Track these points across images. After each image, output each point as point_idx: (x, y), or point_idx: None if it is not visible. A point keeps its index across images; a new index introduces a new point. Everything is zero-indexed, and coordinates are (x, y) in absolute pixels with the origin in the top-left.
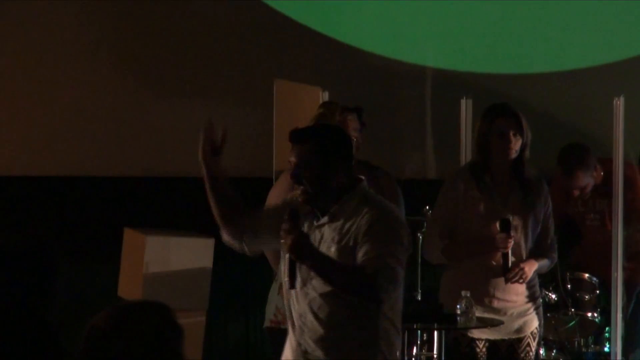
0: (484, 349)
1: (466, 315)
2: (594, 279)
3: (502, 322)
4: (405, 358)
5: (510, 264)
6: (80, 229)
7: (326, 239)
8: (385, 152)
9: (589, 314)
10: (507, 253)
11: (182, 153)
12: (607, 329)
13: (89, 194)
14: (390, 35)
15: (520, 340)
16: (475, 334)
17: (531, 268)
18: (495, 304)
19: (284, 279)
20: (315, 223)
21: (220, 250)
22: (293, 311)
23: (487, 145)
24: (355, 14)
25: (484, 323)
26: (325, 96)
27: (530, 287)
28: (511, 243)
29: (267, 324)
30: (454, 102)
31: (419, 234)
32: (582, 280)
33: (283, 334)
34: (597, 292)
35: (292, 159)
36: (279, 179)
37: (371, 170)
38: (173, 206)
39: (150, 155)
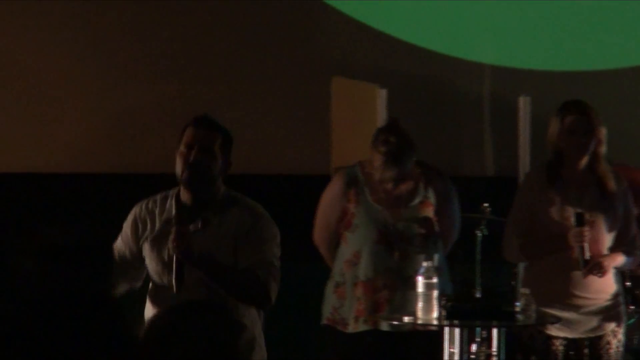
0: (560, 347)
1: (526, 313)
2: None
3: (559, 320)
4: (465, 356)
5: (587, 259)
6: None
7: (201, 243)
8: (443, 150)
9: None
10: (583, 247)
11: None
12: None
13: (142, 191)
14: (448, 33)
15: (599, 338)
16: (552, 331)
17: (610, 263)
18: (575, 301)
19: (172, 282)
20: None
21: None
22: None
23: (560, 143)
24: (413, 11)
25: (550, 320)
26: (382, 94)
27: (610, 284)
28: (586, 237)
29: (324, 321)
30: (512, 100)
31: (477, 232)
32: None
33: (340, 333)
34: None
35: (195, 143)
36: (333, 178)
37: (426, 170)
38: None
39: None
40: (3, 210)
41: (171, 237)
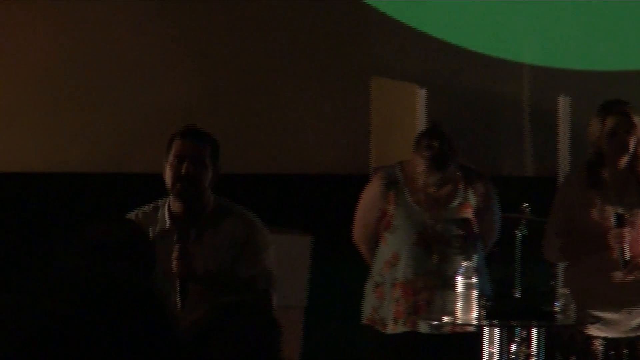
0: (599, 347)
1: (565, 313)
2: None
3: (599, 320)
4: (504, 356)
5: (627, 259)
6: None
7: (197, 254)
8: (483, 150)
9: None
10: (623, 248)
11: (280, 150)
12: None
13: None
14: (488, 33)
15: (639, 338)
16: (592, 331)
17: None
18: (614, 301)
19: (176, 299)
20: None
21: (317, 248)
22: None
23: (600, 144)
24: (453, 11)
25: (590, 320)
26: (422, 94)
27: None
28: (626, 238)
29: (364, 321)
30: (552, 100)
31: (516, 232)
32: None
33: (379, 333)
34: None
35: (187, 153)
36: (372, 178)
37: (465, 171)
38: (270, 203)
39: (248, 151)
40: (51, 210)
41: (173, 255)
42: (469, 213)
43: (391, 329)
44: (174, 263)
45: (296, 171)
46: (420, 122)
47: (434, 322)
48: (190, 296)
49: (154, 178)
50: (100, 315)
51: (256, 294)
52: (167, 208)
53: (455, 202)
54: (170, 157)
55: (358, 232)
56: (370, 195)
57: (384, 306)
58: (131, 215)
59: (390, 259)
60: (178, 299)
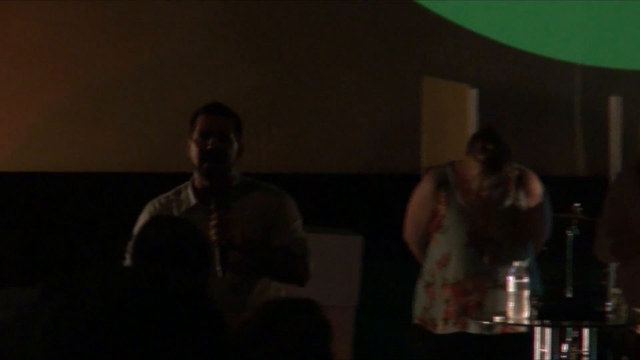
0: None
1: (617, 313)
2: None
3: None
4: (555, 356)
5: None
6: None
7: (232, 224)
8: (534, 150)
9: None
10: None
11: (332, 150)
12: None
13: None
14: (538, 32)
15: None
16: None
17: None
18: None
19: (216, 268)
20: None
21: (369, 248)
22: None
23: None
24: (504, 11)
25: None
26: (473, 94)
27: None
28: None
29: (415, 320)
30: (603, 100)
31: (568, 232)
32: None
33: (429, 333)
34: None
35: (212, 129)
36: (423, 178)
37: (517, 172)
38: (322, 203)
39: (301, 151)
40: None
41: (211, 223)
42: (520, 214)
43: (441, 329)
44: (212, 232)
45: (348, 171)
46: (472, 123)
47: (485, 322)
48: (230, 265)
49: None
50: (152, 317)
51: (294, 260)
52: (191, 187)
53: (507, 203)
54: (195, 134)
55: (409, 232)
56: (421, 195)
57: (434, 306)
58: (152, 202)
59: (441, 259)
60: (219, 268)
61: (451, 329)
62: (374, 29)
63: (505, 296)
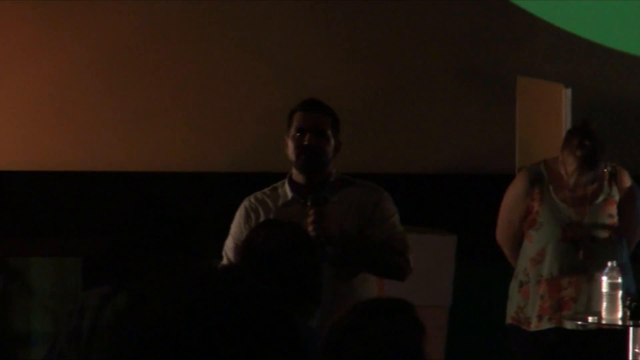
0: None
1: None
2: None
3: None
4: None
5: None
6: None
7: (330, 218)
8: (627, 147)
9: None
10: None
11: (425, 150)
12: None
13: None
14: (633, 32)
15: None
16: None
17: None
18: None
19: None
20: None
21: (462, 247)
22: None
23: None
24: (596, 9)
25: None
26: (567, 93)
27: None
28: None
29: (508, 320)
30: None
31: None
32: None
33: (523, 332)
34: None
35: (309, 125)
36: (517, 176)
37: (610, 168)
38: (415, 203)
39: (394, 151)
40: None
41: (309, 219)
42: (614, 209)
43: (535, 326)
44: (311, 227)
45: (442, 171)
46: (566, 122)
47: (579, 322)
48: (328, 259)
49: None
50: (217, 321)
51: (395, 254)
52: (288, 183)
53: (600, 199)
54: (292, 131)
55: (501, 231)
56: (514, 193)
57: (528, 304)
58: (249, 198)
59: (536, 256)
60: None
61: (546, 325)
62: (467, 29)
63: (599, 291)
